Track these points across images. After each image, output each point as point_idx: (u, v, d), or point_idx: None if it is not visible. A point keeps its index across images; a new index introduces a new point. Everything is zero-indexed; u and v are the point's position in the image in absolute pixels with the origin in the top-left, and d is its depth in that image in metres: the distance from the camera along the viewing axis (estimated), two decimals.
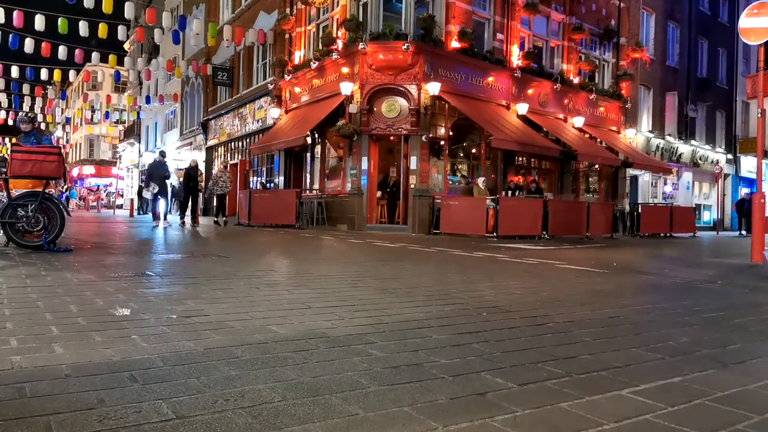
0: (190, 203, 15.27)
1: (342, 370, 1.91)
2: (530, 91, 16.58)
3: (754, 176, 14.25)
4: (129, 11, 17.74)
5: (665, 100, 23.22)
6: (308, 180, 17.41)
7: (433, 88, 13.80)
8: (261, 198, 15.82)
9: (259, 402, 1.58)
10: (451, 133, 15.33)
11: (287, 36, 18.00)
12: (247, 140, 21.19)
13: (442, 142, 15.08)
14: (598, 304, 3.64)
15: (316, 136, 16.38)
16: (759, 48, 8.78)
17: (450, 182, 15.31)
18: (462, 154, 16.26)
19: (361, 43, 13.93)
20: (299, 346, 2.23)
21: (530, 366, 2.04)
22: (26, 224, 5.99)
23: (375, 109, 14.33)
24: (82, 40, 18.39)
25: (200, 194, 16.99)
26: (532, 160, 17.60)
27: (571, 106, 17.94)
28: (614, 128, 19.86)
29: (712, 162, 25.62)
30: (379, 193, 14.97)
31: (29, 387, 1.64)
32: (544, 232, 12.71)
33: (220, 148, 24.28)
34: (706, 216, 25.66)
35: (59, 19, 17.34)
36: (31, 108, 31.04)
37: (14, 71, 22.61)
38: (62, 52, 19.17)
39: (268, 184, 19.34)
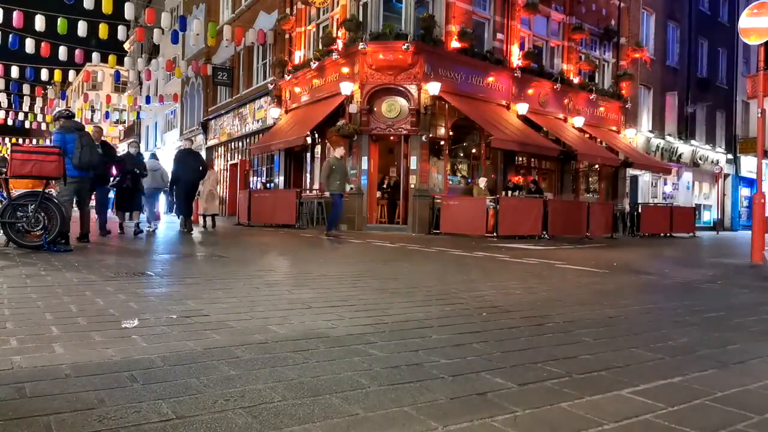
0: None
1: (342, 370, 1.91)
2: (530, 91, 16.56)
3: (754, 176, 14.24)
4: (129, 11, 17.69)
5: (665, 100, 23.20)
6: (308, 180, 17.40)
7: (433, 88, 13.79)
8: (261, 198, 15.81)
9: (259, 402, 1.58)
10: (451, 133, 15.31)
11: (287, 36, 17.99)
12: (247, 140, 21.18)
13: (442, 142, 15.07)
14: (598, 304, 3.64)
15: (316, 136, 16.37)
16: (759, 48, 8.77)
17: (450, 182, 15.30)
18: (462, 154, 16.24)
19: (361, 43, 13.92)
20: (299, 346, 2.23)
21: (530, 366, 2.04)
22: (26, 224, 5.99)
23: (375, 109, 14.32)
24: (82, 40, 18.37)
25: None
26: (532, 160, 17.58)
27: (571, 106, 17.93)
28: (614, 128, 19.84)
29: (712, 162, 25.61)
30: (378, 193, 14.97)
31: (29, 387, 1.64)
32: (544, 232, 12.70)
33: (220, 148, 24.28)
34: (706, 216, 25.66)
35: (59, 20, 17.31)
36: (31, 108, 31.01)
37: (14, 71, 22.56)
38: (62, 52, 19.14)
39: (268, 184, 19.33)
